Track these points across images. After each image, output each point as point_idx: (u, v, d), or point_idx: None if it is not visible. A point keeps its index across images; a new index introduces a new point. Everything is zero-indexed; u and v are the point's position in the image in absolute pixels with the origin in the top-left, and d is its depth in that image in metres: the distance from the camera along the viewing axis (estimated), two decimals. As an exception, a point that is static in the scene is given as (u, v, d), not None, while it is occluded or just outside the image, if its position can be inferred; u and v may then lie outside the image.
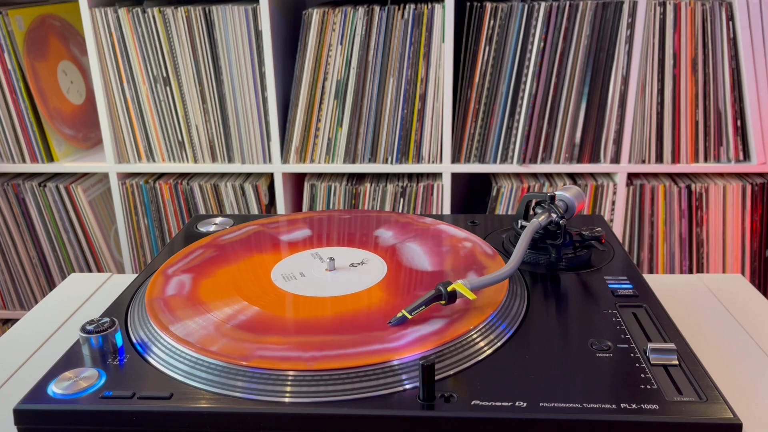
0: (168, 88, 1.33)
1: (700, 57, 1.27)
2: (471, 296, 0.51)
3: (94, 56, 1.32)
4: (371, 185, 1.37)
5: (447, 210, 1.37)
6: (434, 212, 1.38)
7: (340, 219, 0.73)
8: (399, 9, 1.26)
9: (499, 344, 0.50)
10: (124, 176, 1.42)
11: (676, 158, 1.32)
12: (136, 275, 0.67)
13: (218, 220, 0.76)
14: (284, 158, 1.36)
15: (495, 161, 1.34)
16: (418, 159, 1.35)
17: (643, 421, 0.42)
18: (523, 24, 1.26)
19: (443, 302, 0.51)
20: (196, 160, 1.38)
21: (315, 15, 1.27)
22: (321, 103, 1.32)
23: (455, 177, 1.42)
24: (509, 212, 1.37)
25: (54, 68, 1.44)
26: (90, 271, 1.47)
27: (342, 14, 1.26)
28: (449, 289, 0.51)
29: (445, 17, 1.25)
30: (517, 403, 0.43)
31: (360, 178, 1.41)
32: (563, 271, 0.62)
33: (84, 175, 1.46)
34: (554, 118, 1.31)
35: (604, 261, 0.64)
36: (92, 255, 1.46)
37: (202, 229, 0.74)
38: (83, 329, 0.50)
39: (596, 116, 1.30)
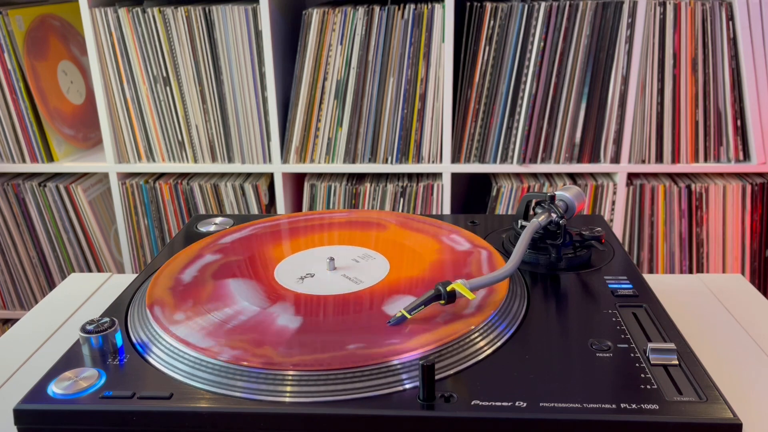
0: (168, 88, 1.33)
1: (700, 57, 1.27)
2: (470, 296, 0.51)
3: (94, 56, 1.32)
4: (371, 185, 1.37)
5: (447, 210, 1.37)
6: (434, 212, 1.38)
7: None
8: (399, 9, 1.26)
9: (499, 344, 0.50)
10: (124, 176, 1.42)
11: (676, 158, 1.32)
12: (136, 275, 0.67)
13: (218, 220, 0.76)
14: (284, 158, 1.36)
15: (495, 161, 1.34)
16: (418, 159, 1.35)
17: (643, 421, 0.42)
18: (523, 24, 1.26)
19: (442, 302, 0.51)
20: (196, 160, 1.38)
21: (315, 15, 1.27)
22: (321, 103, 1.32)
23: (455, 177, 1.42)
24: (509, 212, 1.37)
25: (54, 68, 1.44)
26: (90, 271, 1.47)
27: (342, 14, 1.26)
28: (448, 288, 0.51)
29: (445, 17, 1.25)
30: (517, 403, 0.43)
31: (360, 178, 1.41)
32: (563, 271, 0.62)
33: (84, 175, 1.46)
34: (554, 118, 1.31)
35: (604, 261, 0.64)
36: (92, 255, 1.46)
37: (202, 229, 0.74)
38: (83, 329, 0.50)
39: (596, 116, 1.30)
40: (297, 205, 1.48)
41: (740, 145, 1.31)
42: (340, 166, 1.35)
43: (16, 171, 1.42)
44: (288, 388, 0.45)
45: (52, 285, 1.49)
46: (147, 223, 1.43)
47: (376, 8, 1.26)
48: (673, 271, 1.39)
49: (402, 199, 1.37)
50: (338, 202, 1.38)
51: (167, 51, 1.30)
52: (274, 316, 0.53)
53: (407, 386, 0.45)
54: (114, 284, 0.77)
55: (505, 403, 0.43)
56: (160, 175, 1.42)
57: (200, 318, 0.53)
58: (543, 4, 1.24)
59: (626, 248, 1.37)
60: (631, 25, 1.24)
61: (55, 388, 0.46)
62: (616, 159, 1.32)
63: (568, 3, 1.24)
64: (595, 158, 1.33)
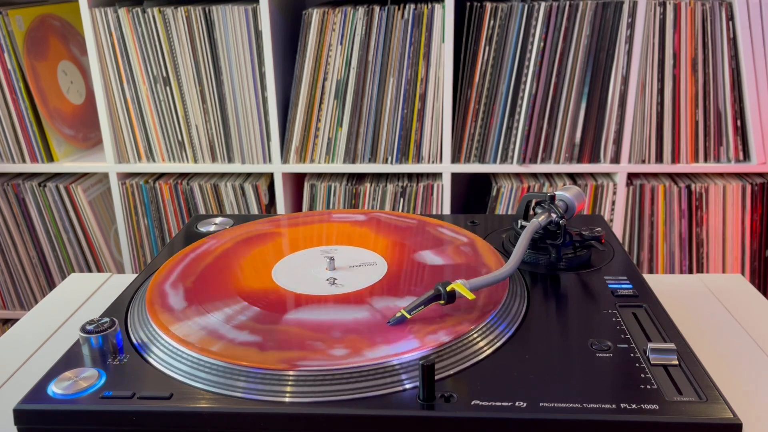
0: (168, 88, 1.33)
1: (700, 57, 1.27)
2: (470, 296, 0.51)
3: (94, 56, 1.32)
4: (371, 185, 1.37)
5: (447, 210, 1.37)
6: (434, 212, 1.38)
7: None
8: (399, 9, 1.26)
9: (499, 344, 0.50)
10: (124, 176, 1.42)
11: (676, 158, 1.32)
12: (136, 275, 0.67)
13: (218, 220, 0.76)
14: (284, 158, 1.36)
15: (495, 161, 1.34)
16: (418, 159, 1.35)
17: (643, 421, 0.42)
18: (523, 24, 1.26)
19: (442, 302, 0.51)
20: (196, 160, 1.38)
21: (315, 15, 1.27)
22: (321, 103, 1.32)
23: (455, 177, 1.42)
24: (509, 212, 1.37)
25: (54, 68, 1.44)
26: (90, 271, 1.47)
27: (342, 14, 1.26)
28: (448, 288, 0.51)
29: (445, 17, 1.25)
30: (517, 403, 0.43)
31: (360, 178, 1.41)
32: (563, 271, 0.62)
33: (84, 175, 1.46)
34: (554, 118, 1.31)
35: (604, 261, 0.64)
36: (92, 255, 1.46)
37: (202, 229, 0.74)
38: (83, 329, 0.50)
39: (596, 116, 1.30)
40: (297, 205, 1.48)
41: (740, 145, 1.31)
42: (340, 166, 1.35)
43: (16, 171, 1.42)
44: (288, 388, 0.45)
45: (52, 285, 1.49)
46: (147, 223, 1.43)
47: (376, 8, 1.26)
48: (673, 271, 1.39)
49: (402, 199, 1.37)
50: (338, 202, 1.38)
51: (167, 51, 1.30)
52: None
53: (407, 386, 0.45)
54: (114, 284, 0.77)
55: (505, 403, 0.43)
56: (160, 175, 1.42)
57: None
58: (543, 4, 1.24)
59: (626, 248, 1.37)
60: (631, 25, 1.24)
61: (55, 388, 0.46)
62: (616, 159, 1.32)
63: (568, 3, 1.24)
64: (595, 158, 1.33)
